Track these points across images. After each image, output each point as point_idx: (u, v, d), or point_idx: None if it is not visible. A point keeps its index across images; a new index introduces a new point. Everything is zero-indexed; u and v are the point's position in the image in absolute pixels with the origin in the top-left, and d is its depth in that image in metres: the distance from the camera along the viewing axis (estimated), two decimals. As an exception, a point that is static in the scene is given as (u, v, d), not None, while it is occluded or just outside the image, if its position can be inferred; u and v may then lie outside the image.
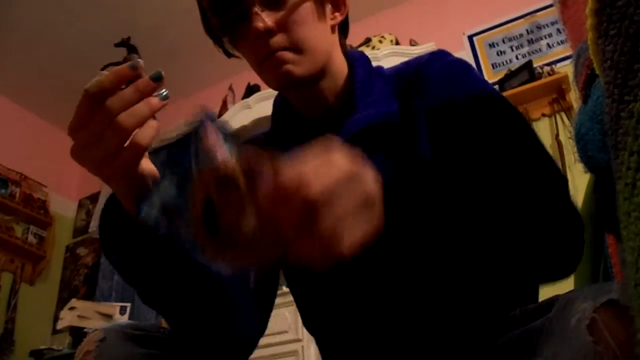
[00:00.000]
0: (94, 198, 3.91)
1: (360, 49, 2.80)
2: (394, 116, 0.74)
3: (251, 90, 3.16)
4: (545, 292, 0.68)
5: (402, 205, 0.53)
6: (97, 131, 0.50)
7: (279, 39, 0.71)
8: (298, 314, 0.85)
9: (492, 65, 2.98)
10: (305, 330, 0.85)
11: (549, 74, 2.62)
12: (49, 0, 3.11)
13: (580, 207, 0.72)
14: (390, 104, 0.76)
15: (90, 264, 3.70)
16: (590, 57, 0.46)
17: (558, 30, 2.83)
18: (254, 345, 0.77)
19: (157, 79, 0.51)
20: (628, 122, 0.33)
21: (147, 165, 0.57)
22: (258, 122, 2.88)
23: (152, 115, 0.52)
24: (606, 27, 0.36)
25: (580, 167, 0.64)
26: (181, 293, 0.66)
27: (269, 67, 0.72)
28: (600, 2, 0.36)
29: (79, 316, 2.75)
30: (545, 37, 2.89)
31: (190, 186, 0.47)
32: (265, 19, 0.70)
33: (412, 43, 2.96)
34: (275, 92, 0.84)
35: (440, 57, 0.78)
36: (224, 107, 3.27)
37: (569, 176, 2.12)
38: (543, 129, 2.59)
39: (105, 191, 3.73)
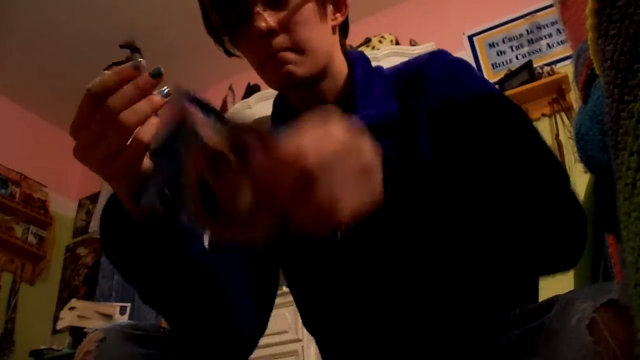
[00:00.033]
0: (94, 198, 3.91)
1: (360, 49, 2.80)
2: (393, 116, 0.74)
3: (251, 90, 3.16)
4: (546, 292, 0.68)
5: (403, 201, 0.53)
6: (99, 130, 0.50)
7: (281, 40, 0.71)
8: (298, 314, 0.85)
9: (492, 65, 2.98)
10: (305, 330, 0.85)
11: (549, 74, 2.62)
12: (49, 0, 3.11)
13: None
14: (390, 103, 0.76)
15: (90, 264, 3.70)
16: (590, 57, 0.46)
17: (558, 30, 2.83)
18: (254, 345, 0.77)
19: (157, 76, 0.51)
20: (628, 122, 0.33)
21: (149, 164, 0.57)
22: (258, 122, 2.86)
23: (154, 113, 0.52)
24: (606, 27, 0.36)
25: (580, 167, 0.64)
26: (181, 293, 0.66)
27: (271, 67, 0.72)
28: (600, 2, 0.36)
29: (79, 316, 2.75)
30: (545, 37, 2.89)
31: (183, 168, 0.47)
32: (268, 18, 0.70)
33: (412, 43, 2.96)
34: (275, 92, 0.84)
35: (439, 57, 0.78)
36: (224, 107, 3.28)
37: (569, 176, 2.12)
38: (543, 129, 2.59)
39: (106, 191, 3.73)
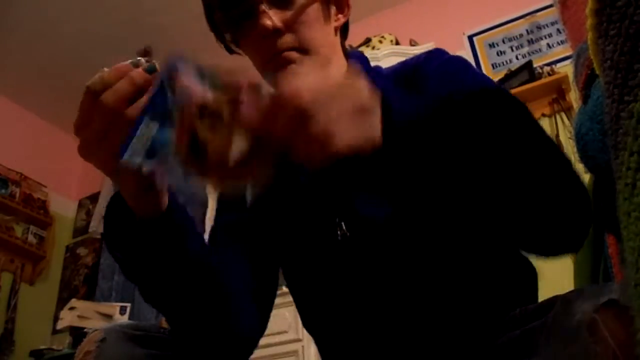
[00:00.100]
0: (94, 198, 3.91)
1: (360, 49, 2.80)
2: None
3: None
4: (546, 292, 0.68)
5: (404, 151, 0.53)
6: (99, 127, 0.51)
7: (287, 39, 0.71)
8: (298, 314, 0.85)
9: (492, 65, 2.98)
10: (305, 330, 0.85)
11: (549, 74, 2.62)
12: (48, 0, 3.11)
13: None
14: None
15: (90, 264, 3.70)
16: (590, 57, 0.46)
17: (558, 30, 2.83)
18: (254, 345, 0.77)
19: (152, 71, 0.51)
20: (628, 122, 0.33)
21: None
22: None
23: None
24: (606, 27, 0.35)
25: (580, 167, 0.64)
26: (181, 290, 0.66)
27: (274, 66, 0.72)
28: (600, 2, 0.36)
29: (79, 316, 2.75)
30: (545, 37, 2.89)
31: (172, 125, 0.48)
32: (273, 17, 0.70)
33: (412, 43, 2.96)
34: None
35: (437, 56, 0.78)
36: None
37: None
38: (543, 129, 2.59)
39: (105, 191, 3.73)
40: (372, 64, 0.84)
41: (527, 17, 2.97)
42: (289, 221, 0.79)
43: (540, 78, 2.62)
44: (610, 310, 0.45)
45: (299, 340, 2.28)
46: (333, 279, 0.75)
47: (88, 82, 0.50)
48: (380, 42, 2.88)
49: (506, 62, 2.94)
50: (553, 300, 0.55)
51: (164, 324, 0.70)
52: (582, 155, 0.65)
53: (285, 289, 0.85)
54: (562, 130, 2.55)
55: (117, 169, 0.51)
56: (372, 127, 0.49)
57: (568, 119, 2.55)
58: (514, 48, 2.96)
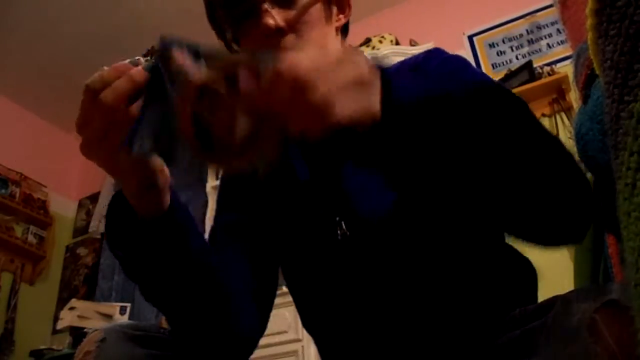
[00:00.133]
0: (94, 198, 3.91)
1: (360, 49, 2.80)
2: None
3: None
4: (546, 292, 0.68)
5: (403, 128, 0.52)
6: (98, 125, 0.51)
7: (289, 39, 0.71)
8: (298, 314, 0.85)
9: (492, 65, 2.98)
10: (305, 330, 0.85)
11: (549, 74, 2.62)
12: (48, 0, 3.11)
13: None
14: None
15: (90, 264, 3.70)
16: (590, 57, 0.46)
17: (558, 30, 2.83)
18: (254, 345, 0.77)
19: (151, 70, 0.51)
20: (628, 122, 0.33)
21: (155, 160, 0.57)
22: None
23: None
24: (606, 27, 0.35)
25: (580, 167, 0.64)
26: (182, 291, 0.66)
27: None
28: (600, 2, 0.36)
29: (79, 316, 2.75)
30: (545, 37, 2.89)
31: (174, 110, 0.48)
32: (276, 16, 0.70)
33: (412, 43, 2.96)
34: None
35: (436, 55, 0.78)
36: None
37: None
38: (543, 129, 2.59)
39: (105, 191, 3.73)
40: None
41: (527, 17, 2.97)
42: (288, 221, 0.79)
43: (540, 78, 2.62)
44: (610, 310, 0.45)
45: (299, 340, 2.28)
46: (333, 279, 0.75)
47: (87, 80, 0.50)
48: (380, 42, 2.88)
49: (506, 62, 2.94)
50: (553, 300, 0.55)
51: (164, 324, 0.70)
52: (582, 155, 0.65)
53: (285, 289, 0.85)
54: (562, 130, 2.55)
55: (124, 159, 0.51)
56: (372, 100, 0.49)
57: (568, 119, 2.54)
58: (514, 48, 2.96)
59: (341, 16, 0.80)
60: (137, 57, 0.51)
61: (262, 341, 0.80)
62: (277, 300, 0.85)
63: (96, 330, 0.66)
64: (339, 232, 0.73)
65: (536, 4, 2.91)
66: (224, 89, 0.46)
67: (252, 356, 0.77)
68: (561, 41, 2.80)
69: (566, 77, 2.53)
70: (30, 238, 3.60)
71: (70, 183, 4.03)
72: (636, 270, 0.32)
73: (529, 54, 2.90)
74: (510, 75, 2.71)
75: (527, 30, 2.95)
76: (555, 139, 0.60)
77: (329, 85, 0.45)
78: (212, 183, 3.00)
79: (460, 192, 0.57)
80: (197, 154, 0.48)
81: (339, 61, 0.48)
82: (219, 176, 1.38)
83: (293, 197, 0.78)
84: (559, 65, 2.71)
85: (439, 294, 0.70)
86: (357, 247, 0.72)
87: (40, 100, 3.81)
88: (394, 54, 2.71)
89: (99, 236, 3.72)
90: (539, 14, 2.92)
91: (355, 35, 2.25)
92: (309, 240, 0.77)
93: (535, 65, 2.69)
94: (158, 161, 0.57)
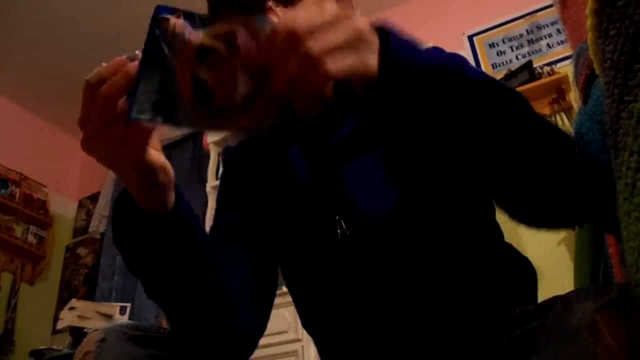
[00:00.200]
0: (94, 198, 3.91)
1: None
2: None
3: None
4: (546, 292, 0.68)
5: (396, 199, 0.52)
6: (98, 121, 0.51)
7: None
8: (297, 314, 0.85)
9: (492, 65, 2.98)
10: (305, 330, 0.85)
11: (549, 74, 2.62)
12: (48, 0, 3.11)
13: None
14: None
15: (90, 264, 3.70)
16: (590, 57, 0.46)
17: (558, 30, 2.83)
18: (254, 345, 0.77)
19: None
20: (628, 122, 0.33)
21: (157, 156, 0.57)
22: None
23: None
24: (606, 27, 0.36)
25: (580, 167, 0.63)
26: (185, 288, 0.66)
27: None
28: (600, 2, 0.36)
29: (79, 316, 2.75)
30: (545, 37, 2.89)
31: (173, 74, 0.48)
32: (280, 15, 0.70)
33: (412, 43, 2.95)
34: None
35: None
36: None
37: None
38: (543, 129, 2.58)
39: (106, 191, 3.74)
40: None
41: (527, 17, 2.97)
42: (288, 220, 0.79)
43: (540, 78, 2.62)
44: (610, 310, 0.45)
45: (298, 340, 2.28)
46: (333, 278, 0.75)
47: (87, 76, 0.51)
48: (381, 42, 2.88)
49: (506, 62, 2.94)
50: (553, 300, 0.55)
51: (164, 324, 0.70)
52: (582, 155, 0.65)
53: (285, 289, 0.85)
54: (562, 130, 2.55)
55: (126, 125, 0.50)
56: (369, 58, 0.50)
57: (568, 119, 2.54)
58: (514, 48, 2.96)
59: None
60: (136, 52, 0.51)
61: (262, 341, 0.80)
62: (277, 300, 0.85)
63: (96, 330, 0.66)
64: (338, 231, 0.73)
65: (536, 4, 2.91)
66: (222, 48, 0.46)
67: (252, 356, 0.77)
68: (561, 41, 2.80)
69: (566, 77, 2.53)
70: (30, 238, 3.60)
71: (70, 183, 4.03)
72: (636, 270, 0.32)
73: (529, 54, 2.90)
74: (510, 75, 2.71)
75: (527, 30, 2.95)
76: (552, 125, 0.60)
77: (325, 39, 0.46)
78: (212, 183, 3.00)
79: (454, 163, 0.57)
80: (198, 116, 0.48)
81: (337, 17, 0.48)
82: (219, 176, 1.38)
83: (293, 197, 0.78)
84: (559, 65, 2.71)
85: (438, 294, 0.70)
86: (357, 247, 0.72)
87: (40, 100, 3.81)
88: (394, 54, 2.71)
89: (99, 236, 3.72)
90: (539, 14, 2.92)
91: (355, 35, 2.25)
92: (309, 240, 0.77)
93: (535, 65, 2.69)
94: (161, 158, 0.57)
